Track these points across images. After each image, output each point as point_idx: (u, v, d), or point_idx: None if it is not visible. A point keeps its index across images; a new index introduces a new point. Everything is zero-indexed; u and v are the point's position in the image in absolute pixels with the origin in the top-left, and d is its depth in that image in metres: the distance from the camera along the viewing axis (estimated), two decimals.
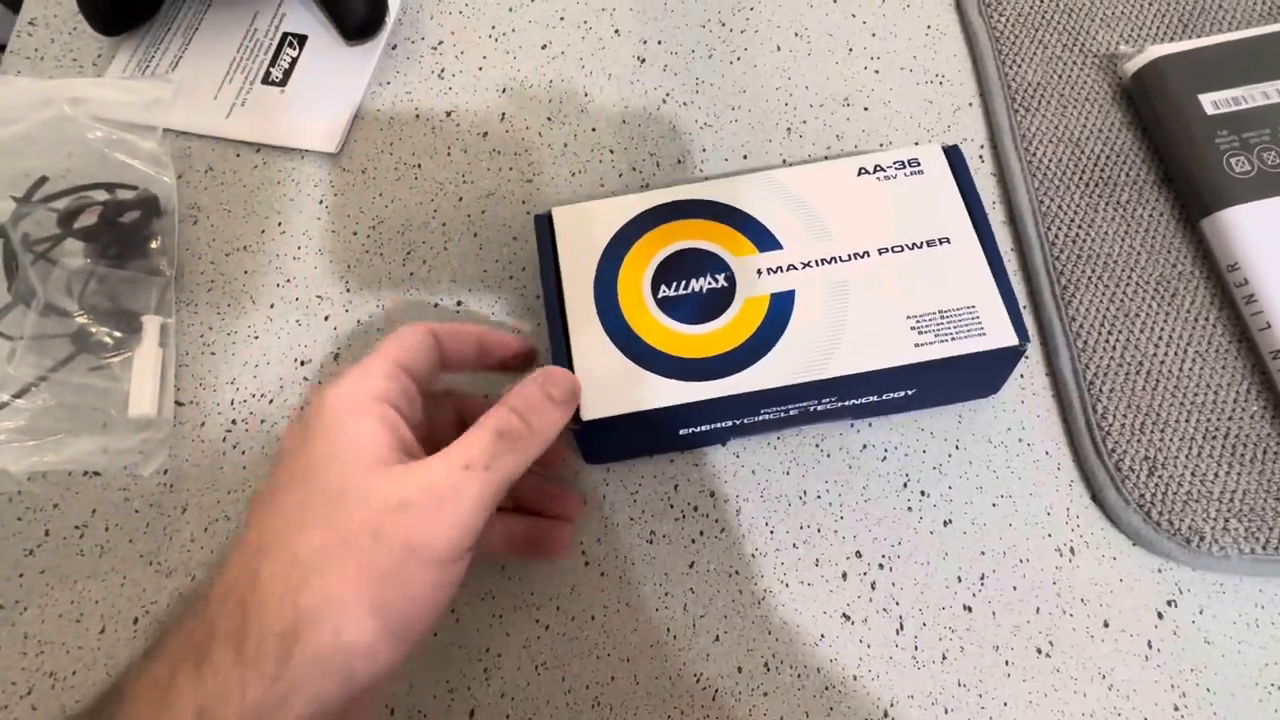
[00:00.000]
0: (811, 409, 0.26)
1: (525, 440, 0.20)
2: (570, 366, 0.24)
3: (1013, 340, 0.24)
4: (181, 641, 0.17)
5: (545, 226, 0.27)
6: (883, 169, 0.27)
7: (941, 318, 0.24)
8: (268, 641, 0.16)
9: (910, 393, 0.26)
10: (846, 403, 0.26)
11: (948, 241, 0.25)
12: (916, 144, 0.32)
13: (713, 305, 0.25)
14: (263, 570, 0.17)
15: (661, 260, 0.26)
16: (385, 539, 0.17)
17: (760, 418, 0.26)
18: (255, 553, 0.17)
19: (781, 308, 0.25)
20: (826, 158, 0.33)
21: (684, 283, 0.26)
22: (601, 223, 0.27)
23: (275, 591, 0.16)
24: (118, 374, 0.29)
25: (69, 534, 0.28)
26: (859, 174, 0.27)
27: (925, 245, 0.25)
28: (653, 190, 0.27)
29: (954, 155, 0.27)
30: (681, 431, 0.26)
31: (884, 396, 0.26)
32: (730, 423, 0.26)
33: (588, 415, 0.24)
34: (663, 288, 0.25)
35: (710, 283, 0.25)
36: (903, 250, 0.25)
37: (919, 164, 0.27)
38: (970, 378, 0.26)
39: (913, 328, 0.24)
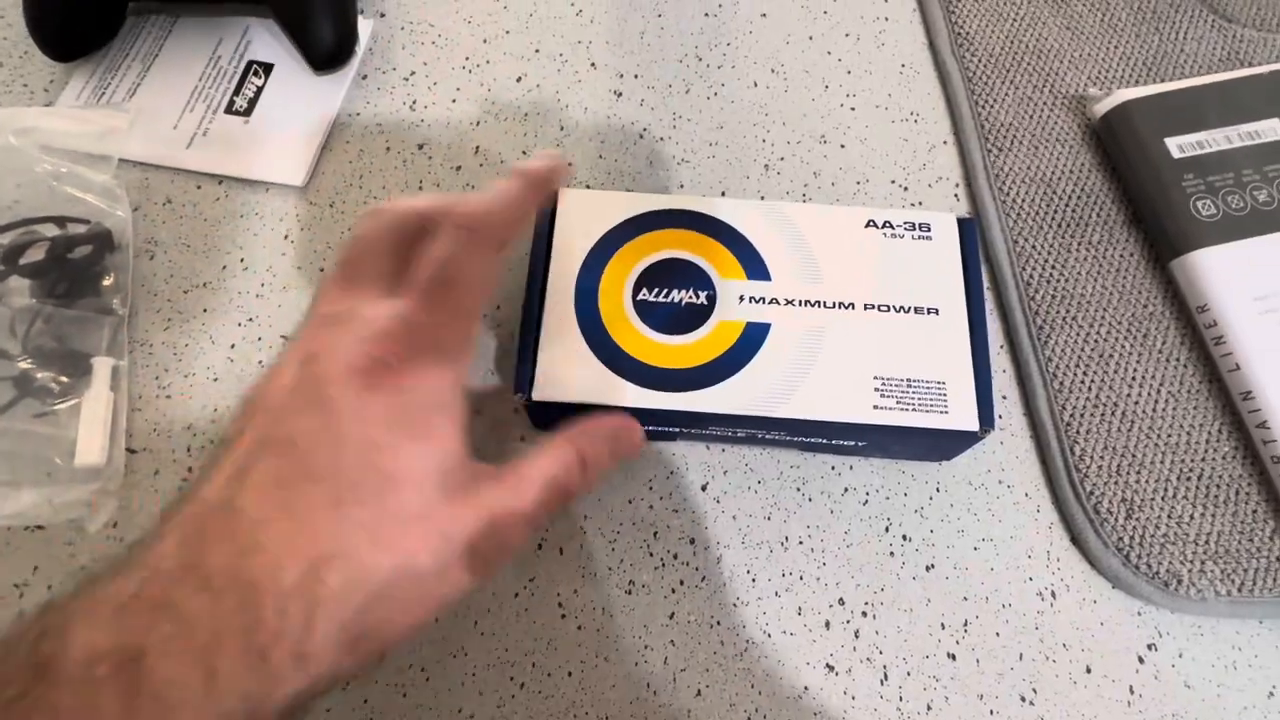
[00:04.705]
0: (759, 436, 0.26)
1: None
2: (535, 341, 0.24)
3: (974, 425, 0.23)
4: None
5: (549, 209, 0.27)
6: (892, 226, 0.26)
7: (908, 386, 0.24)
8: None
9: (859, 444, 0.26)
10: (794, 438, 0.26)
11: (936, 313, 0.25)
12: (917, 205, 0.32)
13: (688, 319, 0.25)
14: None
15: (650, 264, 0.26)
16: None
17: (708, 431, 0.26)
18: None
19: (754, 338, 0.25)
20: (806, 196, 0.33)
21: (666, 291, 0.25)
22: (605, 212, 0.27)
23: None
24: (64, 421, 0.27)
25: (7, 592, 0.26)
26: (867, 225, 0.26)
27: (913, 311, 0.25)
28: (667, 194, 0.27)
29: (966, 228, 0.26)
30: None
31: (831, 441, 0.26)
32: (675, 429, 0.26)
33: (539, 396, 0.24)
34: (644, 291, 0.25)
35: (691, 297, 0.25)
36: (889, 310, 0.25)
37: (929, 230, 0.26)
38: (922, 447, 0.26)
39: (876, 389, 0.24)
